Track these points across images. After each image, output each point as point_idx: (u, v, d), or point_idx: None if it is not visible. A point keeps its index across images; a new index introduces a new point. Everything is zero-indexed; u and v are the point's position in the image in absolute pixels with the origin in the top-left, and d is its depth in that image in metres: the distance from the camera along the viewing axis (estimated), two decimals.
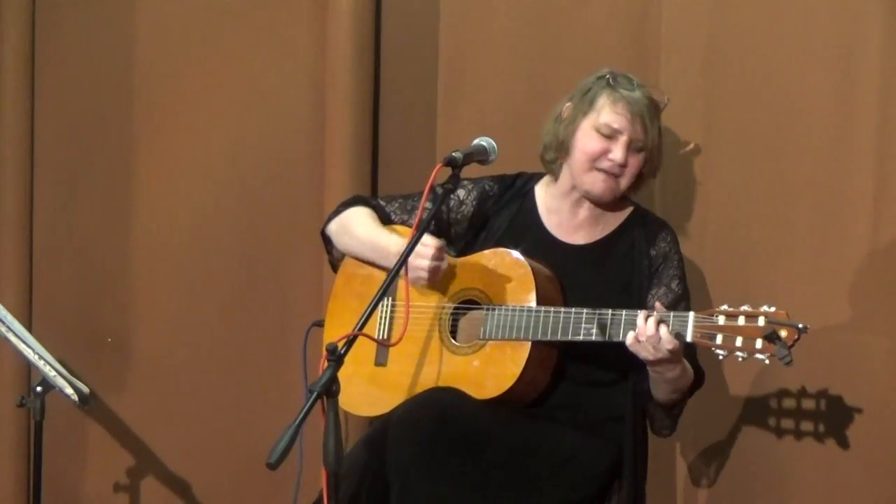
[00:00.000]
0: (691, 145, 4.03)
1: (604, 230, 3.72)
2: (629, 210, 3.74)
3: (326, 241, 3.88)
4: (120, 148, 4.61)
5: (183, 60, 4.56)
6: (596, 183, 3.64)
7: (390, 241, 3.67)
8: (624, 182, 3.64)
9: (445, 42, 4.33)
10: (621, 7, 4.15)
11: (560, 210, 3.73)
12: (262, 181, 4.51)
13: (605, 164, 3.62)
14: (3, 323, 4.07)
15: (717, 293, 3.93)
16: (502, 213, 3.76)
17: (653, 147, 3.65)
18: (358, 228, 3.77)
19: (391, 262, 3.50)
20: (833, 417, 3.93)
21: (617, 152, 3.60)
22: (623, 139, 3.61)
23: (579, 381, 3.61)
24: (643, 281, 3.65)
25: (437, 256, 3.57)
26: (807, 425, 3.95)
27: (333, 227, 3.84)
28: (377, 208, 3.83)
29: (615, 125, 3.61)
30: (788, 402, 3.97)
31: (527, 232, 3.70)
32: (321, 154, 4.40)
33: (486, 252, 3.67)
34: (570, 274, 3.64)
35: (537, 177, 3.80)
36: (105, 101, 4.62)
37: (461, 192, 3.77)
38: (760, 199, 4.03)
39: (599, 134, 3.62)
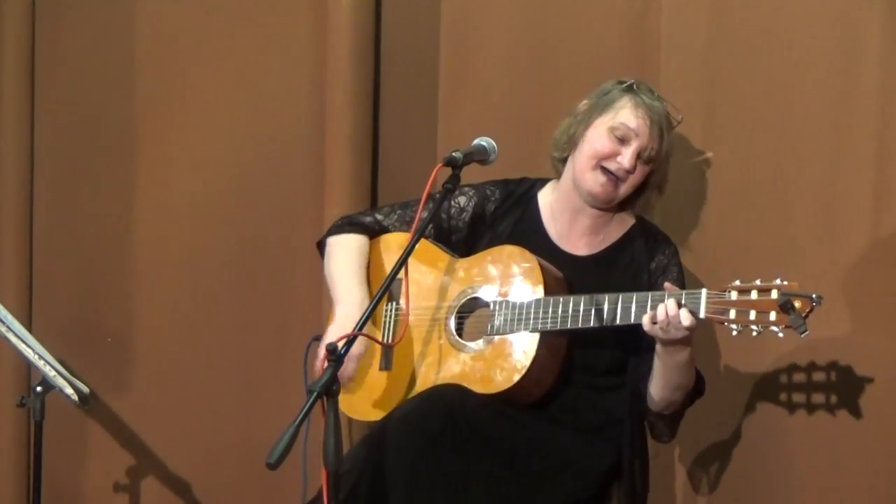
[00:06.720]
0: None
1: (604, 241, 3.71)
2: (631, 223, 3.73)
3: (322, 252, 3.88)
4: (120, 148, 4.61)
5: (183, 60, 4.56)
6: (596, 184, 3.62)
7: (352, 296, 3.67)
8: (623, 189, 3.63)
9: (445, 42, 4.33)
10: (621, 7, 4.15)
11: (562, 218, 3.72)
12: (262, 181, 4.51)
13: (612, 166, 3.60)
14: (3, 323, 4.07)
15: None
16: (505, 219, 3.75)
17: (661, 161, 3.64)
18: (337, 264, 3.76)
19: (346, 311, 3.58)
20: (833, 417, 3.93)
21: (626, 156, 3.58)
22: (636, 144, 3.59)
23: (580, 385, 3.61)
24: None
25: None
26: (806, 425, 3.95)
27: (326, 248, 3.82)
28: (373, 226, 3.79)
29: (632, 126, 3.59)
30: (788, 402, 3.97)
31: (529, 239, 3.67)
32: (321, 154, 4.40)
33: (492, 250, 3.66)
34: (572, 284, 3.63)
35: (540, 183, 3.79)
36: (105, 101, 4.62)
37: (462, 199, 3.76)
38: (760, 199, 4.03)
39: (613, 135, 3.60)
